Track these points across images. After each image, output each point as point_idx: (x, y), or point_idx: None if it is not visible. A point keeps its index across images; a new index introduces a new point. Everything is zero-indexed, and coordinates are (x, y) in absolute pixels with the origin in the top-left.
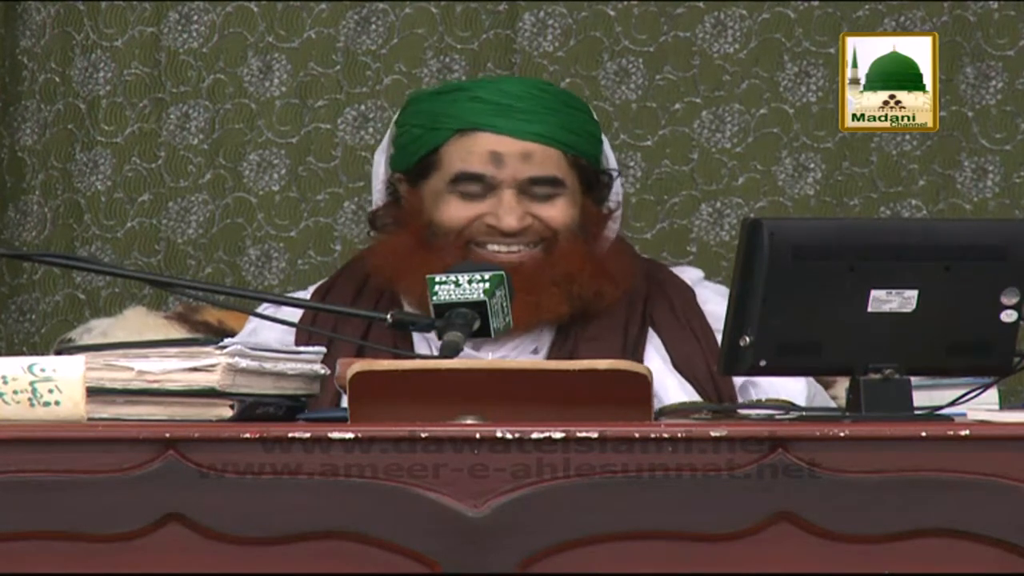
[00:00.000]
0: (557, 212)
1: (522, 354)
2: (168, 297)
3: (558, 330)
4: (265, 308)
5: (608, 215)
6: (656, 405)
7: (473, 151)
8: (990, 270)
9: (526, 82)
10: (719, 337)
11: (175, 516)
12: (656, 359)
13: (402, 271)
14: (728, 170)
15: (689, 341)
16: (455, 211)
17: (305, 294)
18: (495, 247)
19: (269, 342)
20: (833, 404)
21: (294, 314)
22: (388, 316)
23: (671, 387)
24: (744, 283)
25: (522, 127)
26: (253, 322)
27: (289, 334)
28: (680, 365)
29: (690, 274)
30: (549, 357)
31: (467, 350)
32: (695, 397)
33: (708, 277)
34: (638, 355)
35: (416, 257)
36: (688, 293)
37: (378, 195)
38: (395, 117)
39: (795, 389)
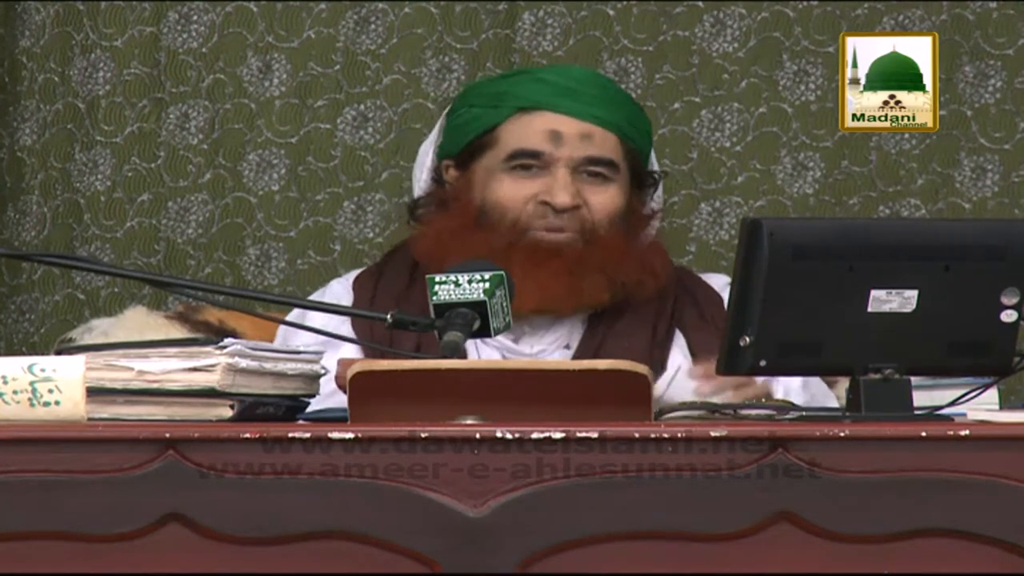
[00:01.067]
0: (606, 198)
1: (556, 349)
2: (168, 297)
3: (588, 325)
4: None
5: (651, 216)
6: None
7: (533, 129)
8: (990, 270)
9: (592, 72)
10: None
11: (175, 516)
12: (680, 359)
13: (450, 252)
14: (727, 169)
15: (714, 341)
16: (508, 190)
17: (347, 279)
18: (545, 224)
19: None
20: (831, 392)
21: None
22: (388, 316)
23: (691, 389)
24: (744, 283)
25: (584, 108)
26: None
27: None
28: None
29: (717, 280)
30: (578, 351)
31: (505, 342)
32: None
33: None
34: (664, 353)
35: (465, 237)
36: (716, 296)
37: (422, 184)
38: (448, 108)
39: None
